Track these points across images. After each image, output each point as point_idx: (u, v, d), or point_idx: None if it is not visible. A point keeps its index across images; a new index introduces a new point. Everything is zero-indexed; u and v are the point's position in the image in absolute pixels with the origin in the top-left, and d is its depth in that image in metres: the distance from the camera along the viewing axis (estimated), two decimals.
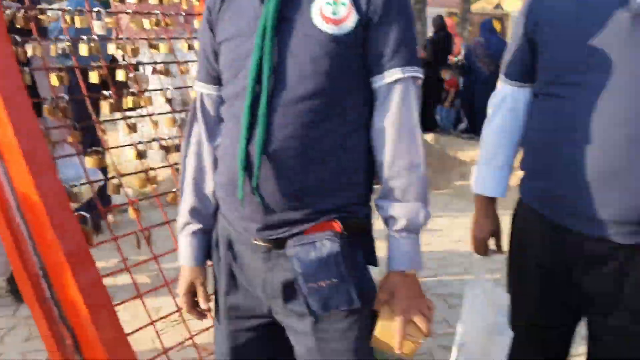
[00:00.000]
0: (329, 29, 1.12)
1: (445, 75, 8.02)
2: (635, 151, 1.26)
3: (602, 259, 1.36)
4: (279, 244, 1.19)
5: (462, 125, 8.19)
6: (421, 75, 1.19)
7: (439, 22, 8.45)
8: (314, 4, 1.13)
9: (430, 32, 9.15)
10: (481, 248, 1.68)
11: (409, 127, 1.18)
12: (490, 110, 1.62)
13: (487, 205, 1.65)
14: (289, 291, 1.21)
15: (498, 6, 17.28)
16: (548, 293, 1.49)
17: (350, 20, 1.13)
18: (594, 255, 1.36)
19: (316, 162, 1.15)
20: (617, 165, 1.28)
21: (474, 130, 7.36)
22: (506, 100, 1.57)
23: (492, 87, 1.81)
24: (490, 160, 1.62)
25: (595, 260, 1.37)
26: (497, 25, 15.55)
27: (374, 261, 1.27)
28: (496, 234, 1.68)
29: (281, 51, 1.13)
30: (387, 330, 1.18)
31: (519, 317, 1.55)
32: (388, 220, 1.21)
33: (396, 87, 1.17)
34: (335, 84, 1.14)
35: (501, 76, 1.60)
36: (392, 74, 1.16)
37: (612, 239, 1.32)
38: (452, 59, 8.58)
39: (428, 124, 7.78)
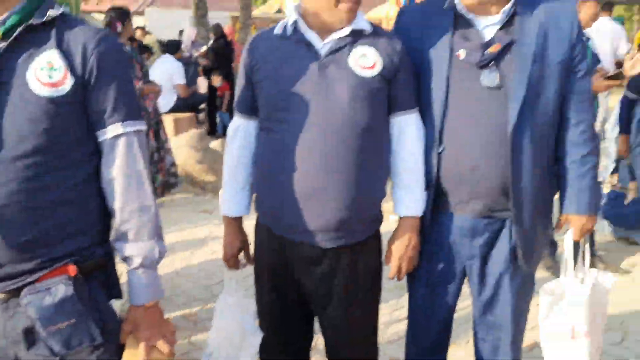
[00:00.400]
0: (46, 92, 1.22)
1: (216, 81, 8.21)
2: (327, 174, 1.59)
3: (316, 260, 1.68)
4: (16, 293, 1.25)
5: None
6: (142, 127, 1.35)
7: (217, 30, 8.67)
8: (29, 70, 1.22)
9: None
10: (232, 262, 1.89)
11: (137, 175, 1.33)
12: (228, 137, 1.84)
13: (234, 224, 1.87)
14: (31, 337, 1.28)
15: (279, 10, 18.12)
16: (280, 294, 1.78)
17: (67, 84, 1.24)
18: (309, 257, 1.68)
19: (43, 215, 1.24)
20: (317, 186, 1.60)
21: None
22: (239, 130, 1.80)
23: None
24: (232, 183, 1.83)
25: (311, 262, 1.69)
26: None
27: (117, 294, 1.40)
28: (245, 248, 1.90)
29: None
30: (133, 357, 1.32)
31: (263, 318, 1.82)
32: (126, 260, 1.35)
33: (119, 140, 1.31)
34: (58, 140, 1.24)
35: (235, 108, 1.83)
36: (113, 129, 1.30)
37: (320, 245, 1.66)
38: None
39: (212, 130, 8.00)
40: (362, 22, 1.66)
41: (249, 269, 1.91)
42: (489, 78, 1.65)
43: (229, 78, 8.30)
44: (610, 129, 4.25)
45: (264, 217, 1.77)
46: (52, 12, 1.26)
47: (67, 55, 1.24)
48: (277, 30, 1.68)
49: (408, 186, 1.74)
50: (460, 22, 1.70)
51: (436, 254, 1.80)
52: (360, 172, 1.62)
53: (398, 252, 1.76)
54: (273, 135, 1.66)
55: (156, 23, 15.38)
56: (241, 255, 1.91)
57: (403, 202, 1.75)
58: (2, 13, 1.24)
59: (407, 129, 1.71)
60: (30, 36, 1.24)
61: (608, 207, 4.07)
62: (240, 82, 1.77)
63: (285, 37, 1.66)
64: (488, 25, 1.68)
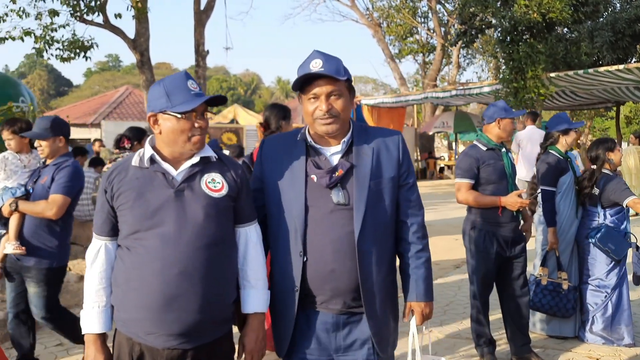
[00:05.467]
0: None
1: None
2: (183, 282, 1.85)
3: None
4: None
5: None
6: None
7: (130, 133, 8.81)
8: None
9: None
10: None
11: None
12: (89, 259, 2.01)
13: (98, 341, 1.98)
14: None
15: (233, 120, 18.86)
16: None
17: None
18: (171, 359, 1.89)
19: None
20: (174, 294, 1.85)
21: None
22: (100, 251, 2.00)
23: None
24: (94, 303, 1.98)
25: None
26: (232, 137, 16.85)
27: None
28: None
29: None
30: None
31: None
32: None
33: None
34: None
35: (94, 232, 2.03)
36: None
37: (179, 347, 1.89)
38: None
39: None
40: (208, 151, 2.01)
41: None
42: (337, 196, 2.00)
43: None
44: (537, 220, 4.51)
45: (124, 326, 1.94)
46: None
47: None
48: (135, 162, 1.96)
49: (255, 286, 2.04)
50: (310, 151, 2.09)
51: (307, 348, 2.06)
52: (213, 279, 1.89)
53: (249, 345, 2.02)
54: (134, 251, 1.91)
55: (111, 135, 15.68)
56: None
57: (252, 301, 2.04)
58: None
59: (250, 237, 2.05)
60: None
61: (550, 299, 4.19)
62: (100, 207, 2.00)
63: (143, 167, 1.95)
64: (333, 154, 2.07)
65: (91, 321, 1.97)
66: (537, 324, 4.49)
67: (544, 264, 4.32)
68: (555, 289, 4.23)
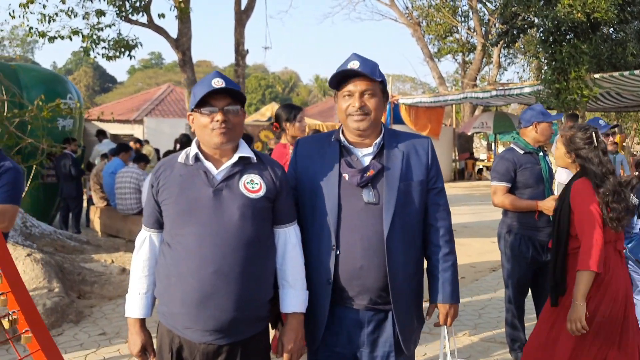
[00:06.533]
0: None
1: None
2: (218, 281, 1.92)
3: (212, 356, 1.98)
4: None
5: None
6: None
7: (182, 139, 8.89)
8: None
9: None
10: (139, 358, 2.13)
11: None
12: (136, 247, 2.14)
13: (136, 325, 2.11)
14: None
15: (270, 118, 19.03)
16: None
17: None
18: (206, 355, 1.98)
19: None
20: (210, 292, 1.92)
21: None
22: (146, 242, 2.12)
23: None
24: (136, 289, 2.12)
25: (207, 359, 1.98)
26: (270, 134, 17.04)
27: None
28: (148, 346, 2.12)
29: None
30: None
31: None
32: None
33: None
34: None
35: (143, 223, 2.15)
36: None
37: (215, 343, 1.97)
38: None
39: None
40: (246, 150, 2.07)
41: None
42: (368, 196, 2.08)
43: None
44: None
45: (165, 319, 2.05)
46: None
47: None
48: (181, 159, 2.05)
49: (294, 286, 2.08)
50: (343, 151, 2.16)
51: (333, 344, 2.12)
52: (247, 278, 1.95)
53: (289, 345, 2.06)
54: (174, 247, 2.00)
55: (153, 132, 16.06)
56: None
57: (290, 300, 2.08)
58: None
59: (289, 238, 2.09)
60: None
61: None
62: (148, 200, 2.12)
63: (188, 165, 2.04)
64: (364, 155, 2.14)
65: (132, 306, 2.10)
66: None
67: None
68: None
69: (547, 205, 3.63)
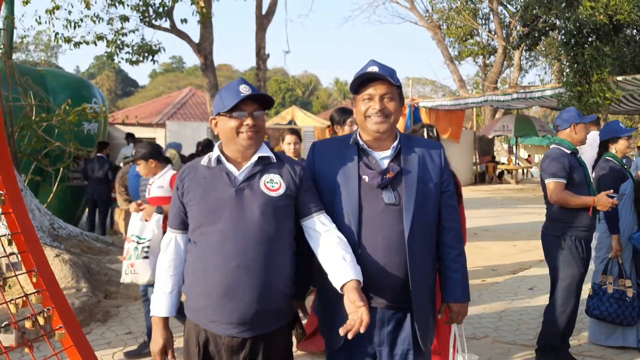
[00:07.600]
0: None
1: None
2: (242, 275, 1.99)
3: (237, 349, 2.06)
4: None
5: None
6: None
7: (204, 143, 8.99)
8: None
9: None
10: (159, 356, 2.18)
11: None
12: (162, 247, 2.22)
13: (160, 323, 2.17)
14: None
15: (291, 122, 19.17)
16: None
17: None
18: (231, 347, 2.06)
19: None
20: (234, 285, 2.00)
21: None
22: (171, 242, 2.20)
23: None
24: (161, 288, 2.19)
25: (232, 351, 2.06)
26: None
27: None
28: (169, 346, 2.17)
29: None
30: None
31: None
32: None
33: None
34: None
35: (168, 224, 2.22)
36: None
37: (239, 335, 2.05)
38: None
39: None
40: (265, 150, 2.15)
41: None
42: (389, 197, 2.13)
43: None
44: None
45: (192, 314, 2.14)
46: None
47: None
48: (204, 162, 2.14)
49: (345, 259, 2.01)
50: (362, 154, 2.22)
51: (354, 343, 2.09)
52: (268, 271, 2.02)
53: (349, 310, 1.91)
54: (199, 244, 2.08)
55: (175, 135, 16.27)
56: None
57: (347, 271, 1.97)
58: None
59: (322, 224, 2.12)
60: None
61: (616, 307, 4.13)
62: (173, 202, 2.20)
63: (211, 167, 2.13)
64: (382, 158, 2.20)
65: (157, 304, 2.19)
66: (598, 335, 4.42)
67: (605, 271, 4.26)
68: (621, 297, 4.17)
69: (602, 200, 3.69)
